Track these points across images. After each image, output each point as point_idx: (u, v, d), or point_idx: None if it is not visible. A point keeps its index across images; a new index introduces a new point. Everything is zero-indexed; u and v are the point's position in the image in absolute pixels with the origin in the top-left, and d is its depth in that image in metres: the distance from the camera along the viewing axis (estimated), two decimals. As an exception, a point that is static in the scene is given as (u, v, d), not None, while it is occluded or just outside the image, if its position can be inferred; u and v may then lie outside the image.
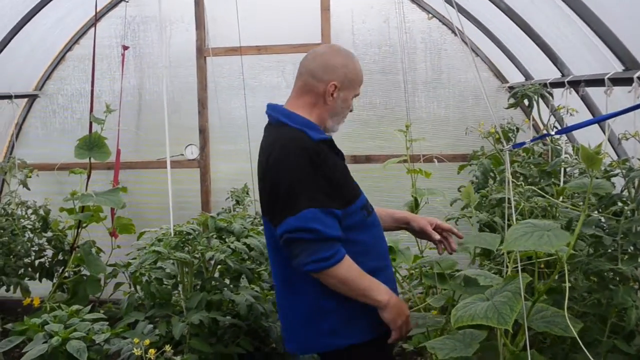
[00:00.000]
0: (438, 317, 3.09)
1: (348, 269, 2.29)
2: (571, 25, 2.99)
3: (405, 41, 5.33)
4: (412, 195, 4.12)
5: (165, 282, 3.21)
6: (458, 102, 5.52)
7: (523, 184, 2.80)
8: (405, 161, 4.14)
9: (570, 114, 3.57)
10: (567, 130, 1.86)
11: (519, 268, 1.98)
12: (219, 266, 3.29)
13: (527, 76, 4.53)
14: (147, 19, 5.69)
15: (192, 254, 3.13)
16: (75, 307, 3.15)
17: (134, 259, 3.11)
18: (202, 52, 5.49)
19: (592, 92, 3.35)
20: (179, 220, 5.76)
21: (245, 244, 3.22)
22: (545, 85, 3.59)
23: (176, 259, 3.04)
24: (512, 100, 3.70)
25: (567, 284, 1.87)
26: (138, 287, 3.28)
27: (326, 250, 2.24)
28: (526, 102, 3.60)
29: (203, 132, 5.59)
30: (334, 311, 2.38)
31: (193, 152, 5.66)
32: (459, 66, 5.47)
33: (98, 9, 5.16)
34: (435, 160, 4.47)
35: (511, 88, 5.17)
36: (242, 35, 5.29)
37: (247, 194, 5.13)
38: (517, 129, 4.70)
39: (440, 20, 5.42)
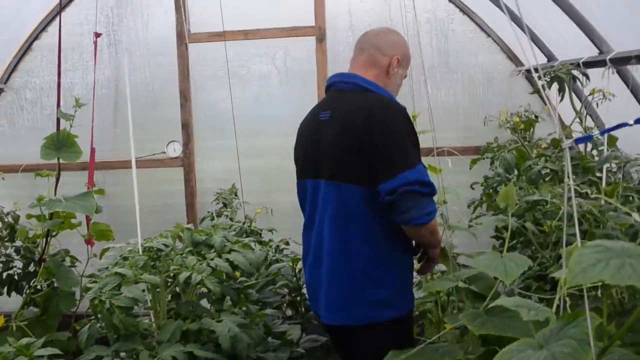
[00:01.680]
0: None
1: (436, 220, 2.44)
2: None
3: (409, 22, 4.79)
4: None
5: (136, 308, 2.69)
6: (468, 89, 4.98)
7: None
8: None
9: (608, 99, 3.05)
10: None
11: (586, 304, 1.46)
12: (199, 286, 2.76)
13: (550, 57, 3.99)
14: (122, 2, 5.13)
15: (163, 275, 2.61)
16: (25, 340, 2.61)
17: (94, 281, 2.58)
18: (182, 38, 4.94)
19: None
20: (164, 224, 5.23)
21: (227, 260, 2.70)
22: (577, 65, 3.07)
23: (143, 281, 2.52)
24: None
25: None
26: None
27: (432, 204, 2.37)
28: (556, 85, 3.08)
29: (186, 127, 5.05)
30: (387, 283, 2.47)
31: (176, 150, 5.13)
32: (469, 48, 4.93)
33: (65, -8, 4.62)
34: (449, 160, 3.90)
35: (528, 72, 4.64)
36: (227, 19, 4.77)
37: (235, 195, 4.60)
38: (537, 117, 4.18)
39: (447, -2, 4.89)
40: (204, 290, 2.80)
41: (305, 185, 2.62)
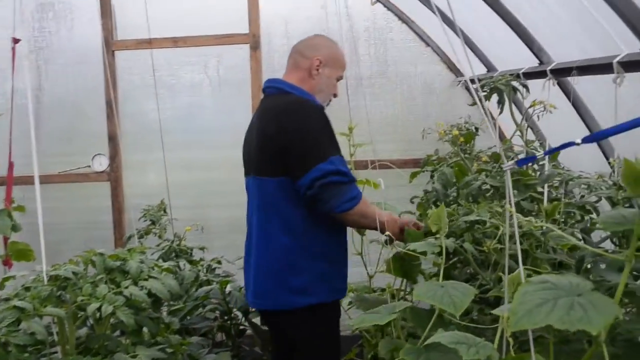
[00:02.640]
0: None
1: (365, 203, 2.57)
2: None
3: (347, 30, 4.63)
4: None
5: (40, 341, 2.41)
6: (407, 100, 4.84)
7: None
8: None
9: (549, 111, 2.92)
10: (619, 130, 1.17)
11: (532, 349, 1.29)
12: (113, 317, 2.50)
13: (490, 67, 3.87)
14: (44, 7, 4.83)
15: (70, 306, 2.35)
16: None
17: (-9, 314, 2.30)
18: (109, 44, 4.66)
19: (580, 84, 2.71)
20: (91, 243, 4.92)
21: (143, 288, 2.45)
22: (518, 76, 2.93)
23: (46, 315, 2.26)
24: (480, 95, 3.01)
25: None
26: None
27: (353, 189, 2.52)
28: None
29: (113, 139, 4.76)
30: (306, 271, 2.61)
31: (102, 163, 4.83)
32: (408, 58, 4.79)
33: (-21, -6, 4.28)
34: (382, 180, 3.73)
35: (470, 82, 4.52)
36: (157, 26, 4.52)
37: (165, 211, 4.33)
38: (477, 129, 4.05)
39: (384, 5, 4.73)
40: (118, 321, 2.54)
41: (245, 183, 2.86)
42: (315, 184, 2.46)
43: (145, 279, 2.51)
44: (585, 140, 1.23)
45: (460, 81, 4.59)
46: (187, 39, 4.66)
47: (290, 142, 2.53)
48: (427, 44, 4.71)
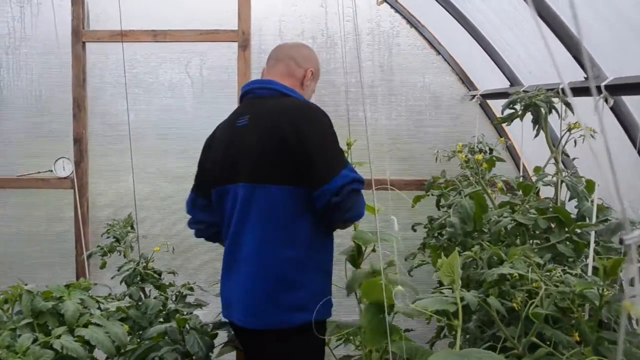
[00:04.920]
0: None
1: None
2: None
3: (348, 32, 4.11)
4: (353, 241, 2.88)
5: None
6: (412, 113, 4.32)
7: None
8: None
9: (591, 135, 2.41)
10: None
11: None
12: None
13: (514, 81, 3.36)
14: (6, -11, 4.29)
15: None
16: None
17: None
18: (79, 35, 4.12)
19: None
20: (49, 257, 4.40)
21: (80, 338, 1.92)
22: (557, 92, 2.42)
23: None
24: (507, 112, 2.50)
25: None
26: None
27: (362, 196, 2.41)
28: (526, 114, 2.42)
29: (79, 141, 4.20)
30: (306, 286, 2.44)
31: (65, 168, 4.28)
32: (415, 66, 4.26)
33: None
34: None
35: (484, 97, 4.01)
36: (134, 16, 4.05)
37: (132, 227, 3.78)
38: (491, 149, 3.54)
39: (392, 6, 4.21)
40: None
41: (221, 192, 2.55)
42: (343, 190, 2.28)
43: (85, 326, 1.98)
44: None
45: (475, 95, 4.07)
46: (168, 32, 4.12)
47: (310, 147, 2.34)
48: (438, 52, 4.21)
